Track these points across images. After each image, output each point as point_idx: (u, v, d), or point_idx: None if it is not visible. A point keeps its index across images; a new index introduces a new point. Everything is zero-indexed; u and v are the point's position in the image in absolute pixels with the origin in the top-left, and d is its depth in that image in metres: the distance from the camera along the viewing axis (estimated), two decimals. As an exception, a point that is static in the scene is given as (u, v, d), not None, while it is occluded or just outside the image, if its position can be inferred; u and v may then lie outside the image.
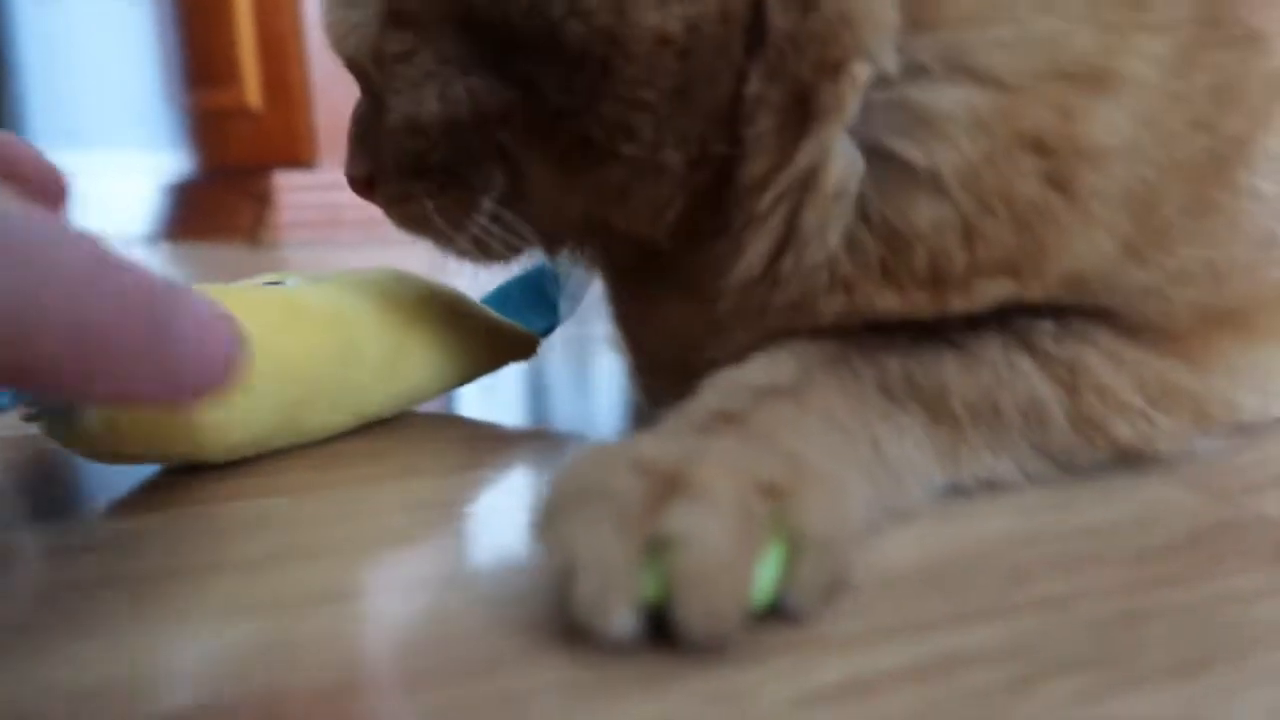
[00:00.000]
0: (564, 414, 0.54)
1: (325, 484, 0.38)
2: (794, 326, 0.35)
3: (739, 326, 0.37)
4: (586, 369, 0.62)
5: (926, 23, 0.32)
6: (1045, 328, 0.35)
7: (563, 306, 0.53)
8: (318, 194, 2.00)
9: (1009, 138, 0.32)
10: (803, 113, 0.33)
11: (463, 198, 0.38)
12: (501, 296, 0.54)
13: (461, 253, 0.41)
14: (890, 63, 0.32)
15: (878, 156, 0.33)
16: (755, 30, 0.33)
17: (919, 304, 0.34)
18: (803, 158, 0.33)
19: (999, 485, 0.34)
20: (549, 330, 0.53)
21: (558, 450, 0.44)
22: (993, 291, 0.34)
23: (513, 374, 0.59)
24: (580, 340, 0.67)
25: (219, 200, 2.21)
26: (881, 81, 0.32)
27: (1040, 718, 0.21)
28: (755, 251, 0.35)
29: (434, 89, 0.36)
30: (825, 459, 0.29)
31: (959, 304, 0.34)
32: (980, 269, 0.33)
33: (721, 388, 0.32)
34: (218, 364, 0.26)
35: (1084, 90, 0.32)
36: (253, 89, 2.13)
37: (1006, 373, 0.35)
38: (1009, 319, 0.35)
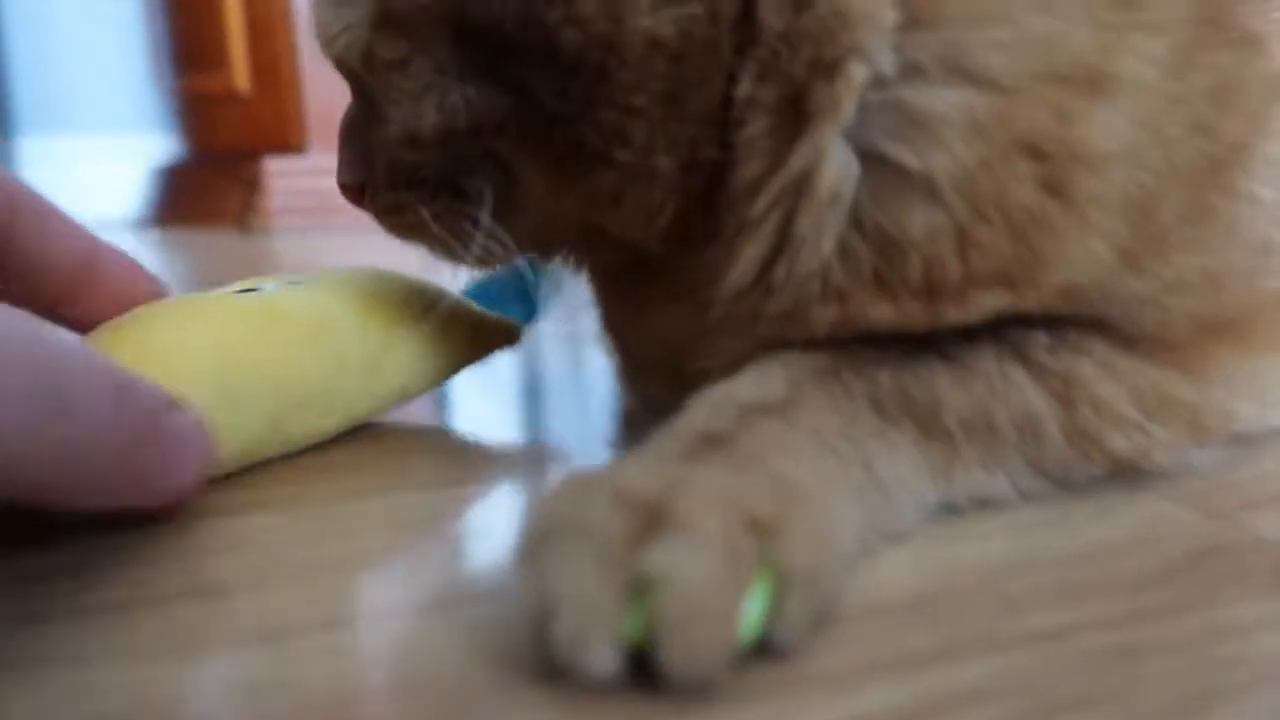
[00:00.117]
0: (558, 414, 0.53)
1: (307, 499, 0.37)
2: (786, 336, 0.35)
3: (731, 334, 0.36)
4: (580, 367, 0.62)
5: (925, 21, 0.31)
6: (1040, 339, 0.35)
7: (544, 294, 0.52)
8: (307, 179, 1.98)
9: (1005, 142, 0.31)
10: (796, 114, 0.32)
11: (456, 206, 0.38)
12: (482, 289, 0.53)
13: (455, 258, 0.40)
14: (887, 63, 0.31)
15: (872, 160, 0.32)
16: (745, 30, 0.32)
17: (913, 315, 0.33)
18: (796, 161, 0.32)
19: (993, 503, 0.34)
20: (531, 318, 0.52)
21: (545, 465, 0.43)
22: (989, 303, 0.33)
23: (506, 374, 0.58)
24: (573, 337, 0.66)
25: (208, 185, 2.19)
26: (877, 82, 0.31)
27: (1034, 764, 0.20)
28: (748, 258, 0.34)
29: (433, 100, 0.35)
30: (815, 482, 0.28)
31: (954, 315, 0.33)
32: (976, 279, 0.32)
33: (709, 404, 0.31)
34: (191, 473, 0.30)
35: (1081, 93, 0.31)
36: (241, 73, 2.11)
37: (1001, 385, 0.34)
38: (1003, 330, 0.34)
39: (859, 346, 0.34)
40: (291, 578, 0.30)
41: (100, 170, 2.40)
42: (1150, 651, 0.25)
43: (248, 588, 0.30)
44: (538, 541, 0.24)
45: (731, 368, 0.34)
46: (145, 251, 1.65)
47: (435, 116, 0.35)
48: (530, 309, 0.52)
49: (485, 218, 0.37)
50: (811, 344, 0.34)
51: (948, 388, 0.34)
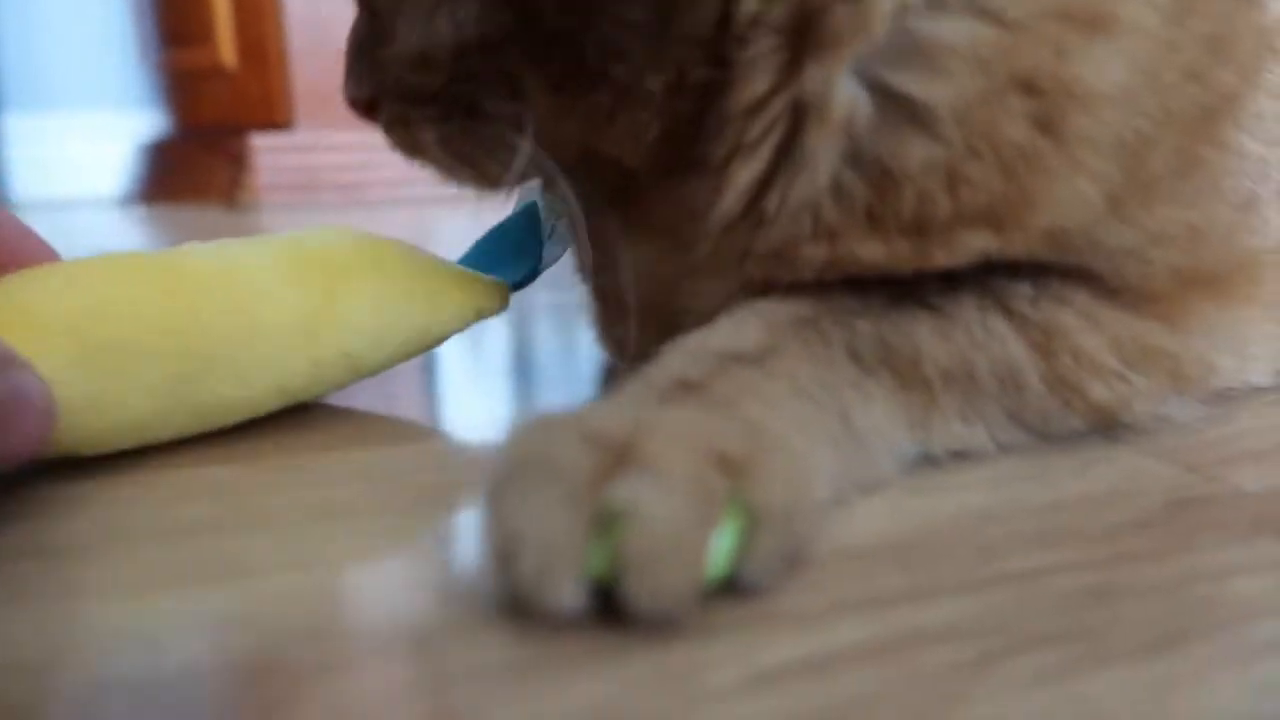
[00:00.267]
0: (546, 386, 0.53)
1: (271, 451, 0.36)
2: (773, 277, 0.34)
3: (715, 274, 0.35)
4: (570, 339, 0.61)
5: None
6: (1023, 291, 0.34)
7: (547, 250, 0.50)
8: (295, 156, 1.96)
9: (1004, 77, 0.31)
10: (806, 37, 0.31)
11: (467, 125, 0.37)
12: (479, 251, 0.51)
13: (461, 180, 0.39)
14: None
15: (877, 92, 0.32)
16: None
17: (901, 255, 0.33)
18: (807, 83, 0.31)
19: (971, 456, 0.33)
20: (531, 277, 0.50)
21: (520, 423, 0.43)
22: (975, 244, 0.32)
23: (494, 345, 0.57)
24: (562, 308, 0.65)
25: (194, 162, 2.17)
26: (900, 10, 0.31)
27: (1002, 697, 0.20)
28: (739, 184, 0.33)
29: (445, 13, 0.34)
30: (789, 429, 0.28)
31: (941, 257, 0.33)
32: (963, 217, 0.32)
33: (685, 352, 0.31)
34: (31, 434, 0.29)
35: (1082, 30, 0.31)
36: (227, 48, 2.08)
37: (982, 335, 0.34)
38: (986, 281, 0.34)
39: (841, 296, 0.34)
40: (251, 524, 0.30)
41: (86, 147, 2.37)
42: (1124, 593, 0.24)
43: (208, 533, 0.29)
44: (504, 479, 0.23)
45: (713, 311, 0.33)
46: (131, 228, 1.64)
47: (449, 31, 0.34)
48: (530, 267, 0.50)
49: (499, 129, 0.36)
50: (796, 289, 0.34)
51: (928, 337, 0.33)
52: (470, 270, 0.45)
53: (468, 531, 0.29)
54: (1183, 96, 0.33)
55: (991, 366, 0.33)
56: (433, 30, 0.35)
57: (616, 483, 0.22)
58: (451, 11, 0.34)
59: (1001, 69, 0.30)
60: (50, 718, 0.20)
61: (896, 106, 0.31)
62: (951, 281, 0.34)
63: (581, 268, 0.45)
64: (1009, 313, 0.34)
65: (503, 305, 0.45)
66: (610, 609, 0.22)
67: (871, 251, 0.33)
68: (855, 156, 0.32)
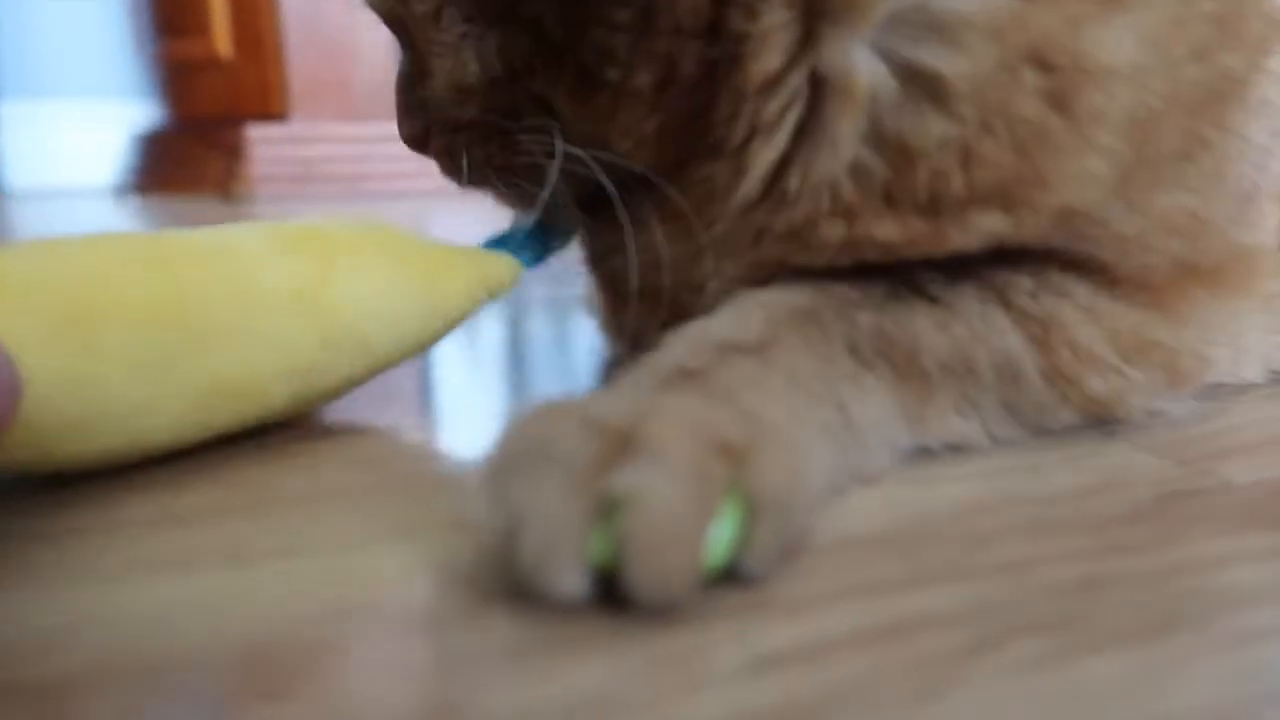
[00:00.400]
0: (542, 379, 0.53)
1: (272, 438, 0.37)
2: (787, 259, 0.35)
3: (728, 255, 0.36)
4: (566, 332, 0.61)
5: None
6: (1022, 284, 0.35)
7: (554, 240, 0.50)
8: (290, 147, 1.96)
9: (1017, 49, 0.31)
10: (821, 8, 0.32)
11: (511, 143, 0.38)
12: (494, 242, 0.51)
13: (509, 200, 0.41)
14: None
15: (895, 68, 0.32)
16: None
17: (917, 235, 0.33)
18: (825, 56, 0.32)
19: (966, 449, 0.34)
20: (541, 258, 0.49)
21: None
22: (987, 224, 0.33)
23: (491, 338, 0.58)
24: (559, 302, 0.66)
25: (189, 152, 2.17)
26: None
27: (994, 683, 0.20)
28: (759, 165, 0.34)
29: (470, 49, 0.36)
30: (787, 420, 0.28)
31: (955, 238, 0.33)
32: (977, 195, 0.32)
33: (685, 341, 0.31)
34: None
35: (1095, 3, 0.31)
36: (223, 39, 2.08)
37: (981, 327, 0.34)
38: (987, 275, 0.34)
39: (842, 287, 0.34)
40: (250, 509, 0.30)
41: (81, 137, 2.36)
42: (1115, 582, 0.25)
43: (209, 519, 0.29)
44: (506, 465, 0.24)
45: (720, 294, 0.33)
46: (125, 219, 1.64)
47: (477, 65, 0.36)
48: (539, 252, 0.49)
49: (559, 143, 0.36)
50: (803, 275, 0.34)
51: (928, 329, 0.34)
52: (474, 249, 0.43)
53: (467, 518, 0.29)
54: (1190, 74, 0.33)
55: (990, 358, 0.34)
56: (462, 63, 0.36)
57: (618, 470, 0.23)
58: (477, 44, 0.36)
59: (1016, 41, 0.31)
60: (57, 699, 0.20)
61: (916, 81, 0.32)
62: (953, 274, 0.34)
63: (588, 256, 0.45)
64: (1008, 305, 0.34)
65: (514, 281, 0.43)
66: (610, 594, 0.22)
67: (888, 231, 0.33)
68: (875, 133, 0.32)
